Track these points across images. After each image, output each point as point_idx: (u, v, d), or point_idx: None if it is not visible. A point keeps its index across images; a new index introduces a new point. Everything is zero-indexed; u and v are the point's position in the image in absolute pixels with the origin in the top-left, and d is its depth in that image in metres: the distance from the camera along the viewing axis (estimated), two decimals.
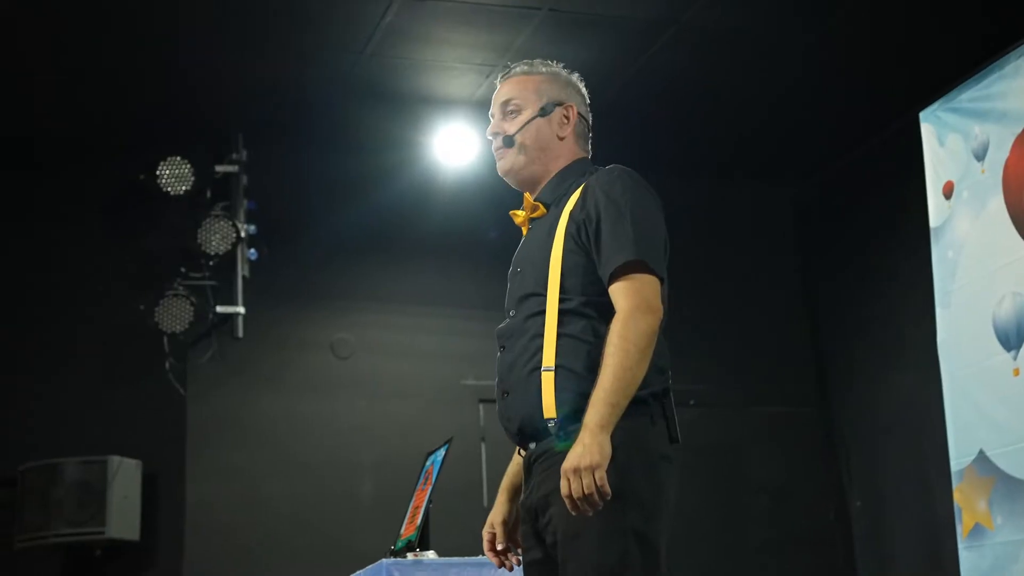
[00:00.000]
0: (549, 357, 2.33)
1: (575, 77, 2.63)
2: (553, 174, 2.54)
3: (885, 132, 5.90)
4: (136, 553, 5.55)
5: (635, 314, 2.27)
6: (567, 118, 2.55)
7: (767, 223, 6.77)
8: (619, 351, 2.24)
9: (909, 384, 5.78)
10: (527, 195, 2.55)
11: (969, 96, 4.83)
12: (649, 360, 2.27)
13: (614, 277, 2.33)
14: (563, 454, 2.26)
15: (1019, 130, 4.57)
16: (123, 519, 5.40)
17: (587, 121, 2.62)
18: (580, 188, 2.46)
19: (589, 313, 2.35)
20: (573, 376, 2.31)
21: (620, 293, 2.31)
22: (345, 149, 6.11)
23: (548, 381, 2.32)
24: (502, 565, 2.55)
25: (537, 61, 2.62)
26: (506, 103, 2.56)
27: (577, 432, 2.25)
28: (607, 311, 2.34)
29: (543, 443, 2.35)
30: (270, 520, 5.73)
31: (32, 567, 5.50)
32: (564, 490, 2.19)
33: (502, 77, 2.62)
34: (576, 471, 2.17)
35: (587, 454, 2.17)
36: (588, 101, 2.64)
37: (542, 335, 2.36)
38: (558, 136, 2.54)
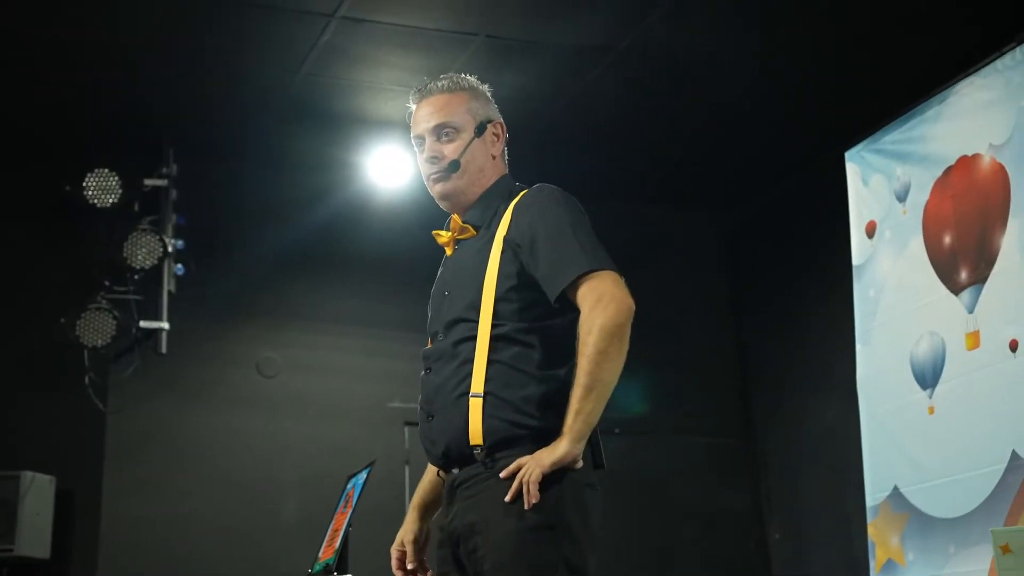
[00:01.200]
0: (478, 383, 2.31)
1: (487, 88, 2.60)
2: (480, 194, 2.52)
3: (813, 167, 6.02)
4: (46, 571, 5.41)
5: (591, 314, 2.26)
6: (497, 136, 2.54)
7: (697, 252, 6.85)
8: (581, 357, 2.24)
9: (831, 418, 5.88)
10: (455, 216, 2.53)
11: (892, 138, 4.96)
12: (622, 350, 2.25)
13: (571, 289, 2.30)
14: (490, 482, 2.26)
15: (939, 173, 4.70)
16: (34, 536, 5.27)
17: (505, 132, 2.59)
18: (509, 209, 2.44)
19: (522, 339, 2.34)
20: (502, 404, 2.30)
21: (580, 299, 2.29)
22: (278, 167, 6.07)
23: (476, 407, 2.30)
24: None
25: (455, 76, 2.57)
26: (440, 127, 2.50)
27: (505, 460, 2.26)
28: (541, 336, 2.34)
29: (467, 469, 2.34)
30: (189, 539, 5.63)
31: None
32: (519, 469, 2.21)
33: (420, 95, 2.55)
34: (521, 466, 2.21)
35: (538, 454, 2.21)
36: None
37: (472, 360, 2.34)
38: (491, 155, 2.53)
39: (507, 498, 2.22)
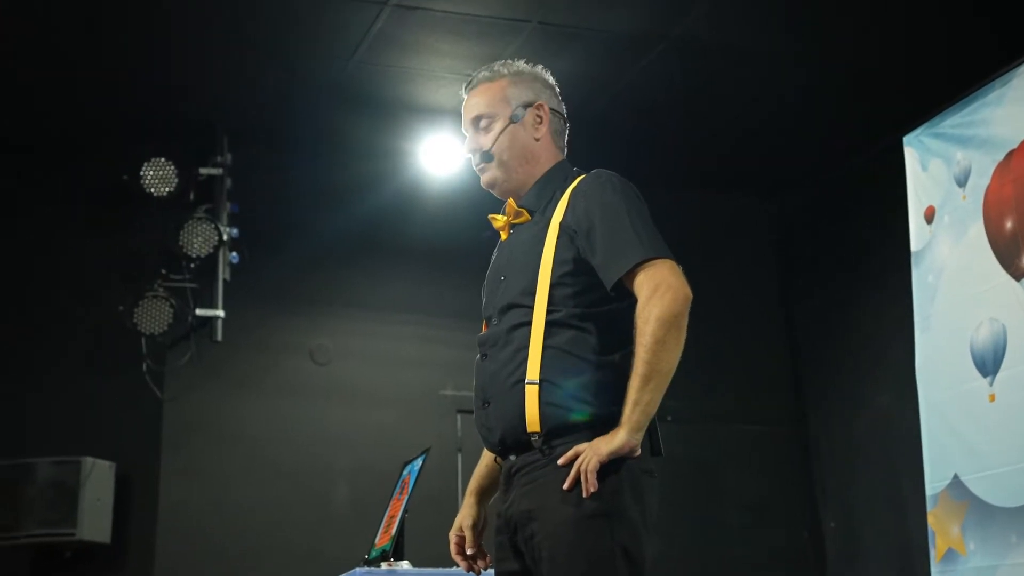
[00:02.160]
0: (534, 370, 2.30)
1: (540, 69, 2.58)
2: (535, 178, 2.50)
3: (870, 153, 5.94)
4: (107, 556, 5.50)
5: (648, 303, 2.24)
6: (540, 117, 2.51)
7: (750, 238, 6.79)
8: (638, 346, 2.23)
9: (886, 406, 5.81)
10: (511, 201, 2.51)
11: (952, 122, 4.87)
12: (679, 339, 2.24)
13: (628, 277, 2.29)
14: (547, 469, 2.26)
15: (1000, 157, 4.61)
16: (95, 521, 5.36)
17: (561, 114, 2.56)
18: (565, 195, 2.42)
19: (577, 325, 2.32)
20: (558, 390, 2.29)
21: (637, 288, 2.28)
22: (330, 155, 6.10)
23: (532, 394, 2.29)
24: (471, 569, 2.51)
25: (498, 64, 2.56)
26: (477, 118, 2.51)
27: (562, 447, 2.26)
28: (596, 322, 2.32)
29: (524, 456, 2.33)
30: (243, 525, 5.69)
31: (0, 567, 5.44)
32: (576, 456, 2.21)
33: (467, 88, 2.57)
34: (580, 452, 2.21)
35: (595, 443, 2.21)
36: (558, 90, 2.58)
37: (527, 347, 2.33)
38: (534, 139, 2.50)
39: (565, 486, 2.22)
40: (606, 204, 2.35)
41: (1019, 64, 4.54)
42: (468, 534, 2.51)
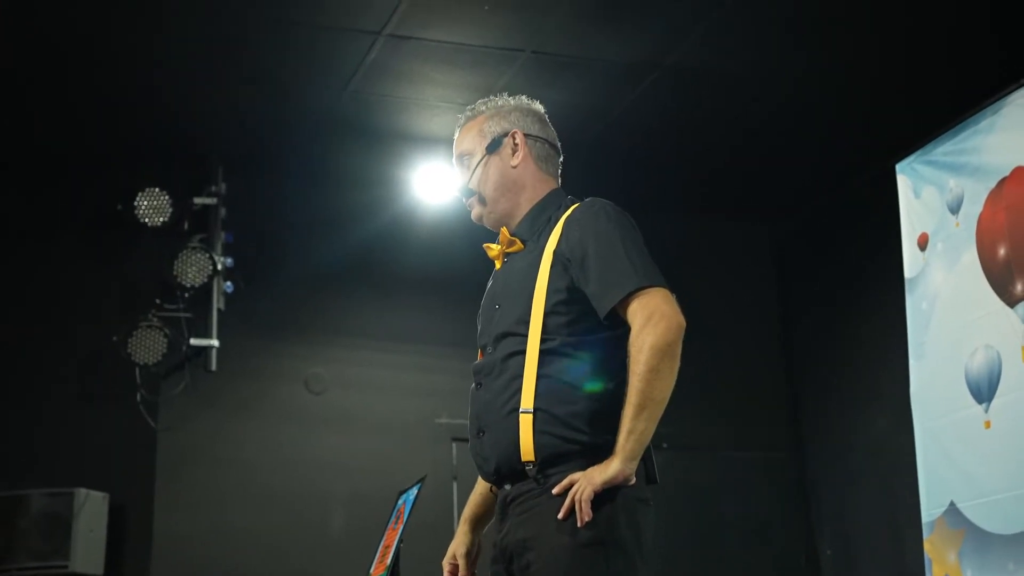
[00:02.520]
0: (528, 399, 2.31)
1: (524, 100, 2.60)
2: (526, 207, 2.51)
3: (864, 179, 5.97)
4: None
5: (643, 332, 2.25)
6: (517, 145, 2.53)
7: (746, 264, 6.81)
8: (632, 375, 2.24)
9: (882, 432, 5.81)
10: (504, 230, 2.53)
11: (944, 150, 4.90)
12: (673, 368, 2.24)
13: (621, 306, 2.30)
14: (542, 498, 2.26)
15: (993, 184, 4.63)
16: (88, 552, 5.32)
17: (545, 140, 2.57)
18: (559, 224, 2.43)
19: (571, 353, 2.33)
20: (553, 420, 2.29)
21: (631, 316, 2.29)
22: (325, 184, 6.11)
23: (527, 424, 2.29)
24: None
25: (480, 102, 2.60)
26: (459, 158, 2.57)
27: (557, 476, 2.26)
28: (590, 351, 2.33)
29: (519, 485, 2.33)
30: (239, 554, 5.66)
31: None
32: (571, 485, 2.21)
33: (457, 129, 2.62)
34: (574, 482, 2.21)
35: (589, 472, 2.21)
36: (544, 119, 2.60)
37: (521, 375, 2.33)
38: (511, 167, 2.51)
39: (560, 516, 2.22)
40: (600, 232, 2.36)
41: (1010, 92, 4.57)
42: (461, 562, 2.51)
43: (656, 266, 2.36)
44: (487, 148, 2.52)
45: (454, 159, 2.60)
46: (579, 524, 2.19)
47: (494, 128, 2.54)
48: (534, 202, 2.52)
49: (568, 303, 2.35)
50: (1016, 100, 4.54)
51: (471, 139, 2.55)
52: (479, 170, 2.52)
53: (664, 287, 2.31)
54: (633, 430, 2.21)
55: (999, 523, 4.41)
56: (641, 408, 2.21)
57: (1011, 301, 4.49)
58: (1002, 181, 4.59)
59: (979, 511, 4.51)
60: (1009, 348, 4.45)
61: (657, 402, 2.23)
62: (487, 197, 2.52)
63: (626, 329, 2.30)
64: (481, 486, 2.55)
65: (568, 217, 2.43)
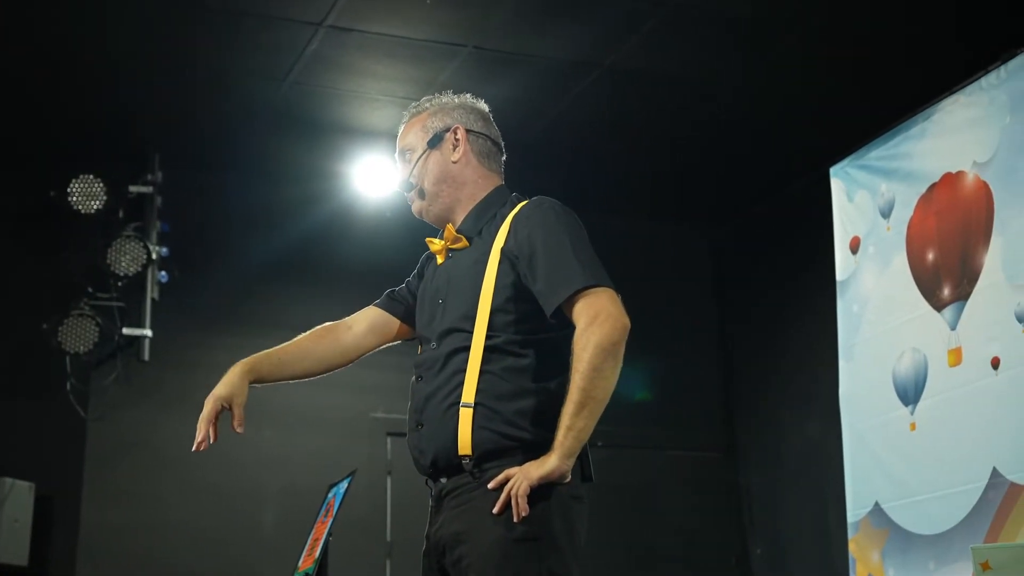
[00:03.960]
0: (469, 393, 2.31)
1: (468, 98, 2.61)
2: (468, 203, 2.51)
3: (799, 183, 6.04)
4: None
5: (587, 331, 2.26)
6: (457, 140, 2.53)
7: (682, 266, 6.86)
8: (574, 373, 2.24)
9: (814, 433, 5.88)
10: (449, 226, 2.52)
11: (878, 154, 4.98)
12: (615, 368, 2.25)
13: (567, 304, 2.30)
14: (477, 492, 2.27)
15: (923, 190, 4.72)
16: (12, 543, 5.23)
17: (488, 137, 2.57)
18: (507, 222, 2.43)
19: (515, 351, 2.34)
20: (493, 415, 2.30)
21: (576, 315, 2.29)
22: (263, 176, 6.06)
23: (466, 417, 2.30)
24: (210, 438, 2.51)
25: (425, 99, 2.61)
26: (401, 152, 2.57)
27: (493, 470, 2.27)
28: (534, 349, 2.34)
29: (455, 479, 2.33)
30: (168, 547, 5.61)
31: None
32: (507, 480, 2.22)
33: (402, 125, 2.62)
34: (510, 476, 2.22)
35: (526, 466, 2.22)
36: (488, 117, 2.60)
37: (464, 370, 2.34)
38: (452, 161, 2.51)
39: (495, 510, 2.23)
40: (548, 231, 2.37)
41: (942, 99, 4.67)
42: (237, 412, 2.51)
43: (603, 267, 2.37)
44: (428, 143, 2.52)
45: (396, 154, 2.60)
46: (515, 519, 2.20)
47: (436, 124, 2.54)
48: (477, 199, 2.52)
49: (514, 301, 2.36)
50: (947, 107, 4.64)
51: (413, 134, 2.55)
52: (419, 164, 2.52)
53: (610, 287, 2.32)
54: (572, 427, 2.22)
55: (922, 523, 4.50)
56: (582, 406, 2.23)
57: (938, 305, 4.58)
58: (932, 187, 4.69)
59: (903, 512, 4.60)
60: (935, 351, 4.54)
61: (598, 401, 2.24)
62: (427, 191, 2.52)
63: (571, 329, 2.31)
64: (293, 345, 2.65)
65: (516, 215, 2.44)
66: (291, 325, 6.23)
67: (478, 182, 2.53)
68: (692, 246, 6.89)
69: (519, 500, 2.20)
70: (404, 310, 2.63)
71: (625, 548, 6.17)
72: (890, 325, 4.81)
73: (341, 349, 2.71)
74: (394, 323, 2.66)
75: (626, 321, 2.29)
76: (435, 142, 2.52)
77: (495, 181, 2.56)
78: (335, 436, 5.98)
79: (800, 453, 6.08)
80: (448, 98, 2.60)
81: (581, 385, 2.23)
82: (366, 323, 2.69)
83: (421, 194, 2.53)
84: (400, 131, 2.61)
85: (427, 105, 2.58)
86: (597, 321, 2.26)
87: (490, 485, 2.25)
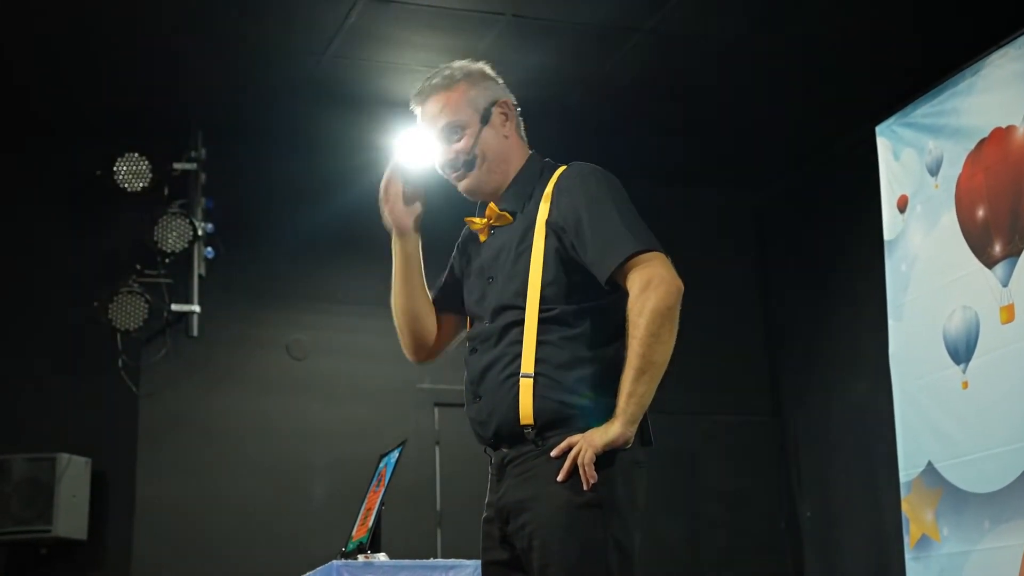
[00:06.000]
0: (528, 364, 2.32)
1: (483, 65, 2.56)
2: (511, 177, 2.50)
3: (844, 142, 5.97)
4: (83, 552, 5.48)
5: (642, 296, 2.25)
6: (506, 115, 2.51)
7: (726, 230, 6.81)
8: (632, 339, 2.24)
9: (862, 394, 5.85)
10: (492, 204, 2.50)
11: (924, 112, 4.91)
12: (673, 331, 2.25)
13: (619, 271, 2.30)
14: (540, 459, 2.28)
15: (972, 146, 4.65)
16: (70, 517, 5.33)
17: (517, 106, 2.55)
18: (547, 192, 2.42)
19: (570, 321, 2.34)
20: (553, 384, 2.30)
21: (630, 282, 2.29)
22: (305, 150, 6.08)
23: (527, 388, 2.30)
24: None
25: (447, 69, 2.52)
26: (446, 128, 2.48)
27: (555, 438, 2.27)
28: (588, 317, 2.34)
29: (517, 447, 2.34)
30: (221, 520, 5.68)
31: None
32: (569, 448, 2.23)
33: (419, 98, 2.53)
34: (575, 444, 2.22)
35: (590, 434, 2.22)
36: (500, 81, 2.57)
37: (520, 342, 2.34)
38: (504, 136, 2.50)
39: (559, 478, 2.23)
40: (592, 198, 2.36)
41: (989, 53, 4.58)
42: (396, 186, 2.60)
43: (649, 230, 2.36)
44: (481, 119, 2.48)
45: (436, 129, 2.50)
46: (585, 487, 2.20)
47: (480, 98, 2.49)
48: (516, 172, 2.50)
49: (565, 272, 2.36)
50: (995, 61, 4.56)
51: (459, 108, 2.48)
52: (476, 142, 2.47)
53: (661, 251, 2.31)
54: (633, 393, 2.23)
55: (975, 482, 4.47)
56: (642, 372, 2.23)
57: (989, 262, 4.52)
58: (981, 142, 4.62)
59: (956, 471, 4.56)
60: (987, 309, 4.49)
61: (658, 365, 2.24)
62: (484, 168, 2.48)
63: (623, 294, 2.30)
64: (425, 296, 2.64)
65: (555, 185, 2.42)
66: (335, 298, 6.39)
67: (518, 155, 2.52)
68: (736, 209, 6.83)
69: (587, 467, 2.21)
70: (458, 303, 2.60)
71: (674, 514, 6.17)
72: (939, 283, 4.76)
73: (427, 342, 2.68)
74: (451, 319, 2.65)
75: (680, 284, 2.28)
76: (487, 118, 2.48)
77: (527, 150, 2.55)
78: (382, 408, 6.02)
79: (848, 414, 6.04)
80: (469, 66, 2.53)
81: (640, 351, 2.23)
82: (440, 331, 2.68)
83: (469, 166, 2.48)
84: (427, 103, 2.52)
85: (459, 75, 2.51)
86: (651, 285, 2.25)
87: (553, 453, 2.26)
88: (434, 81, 2.52)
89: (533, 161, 2.53)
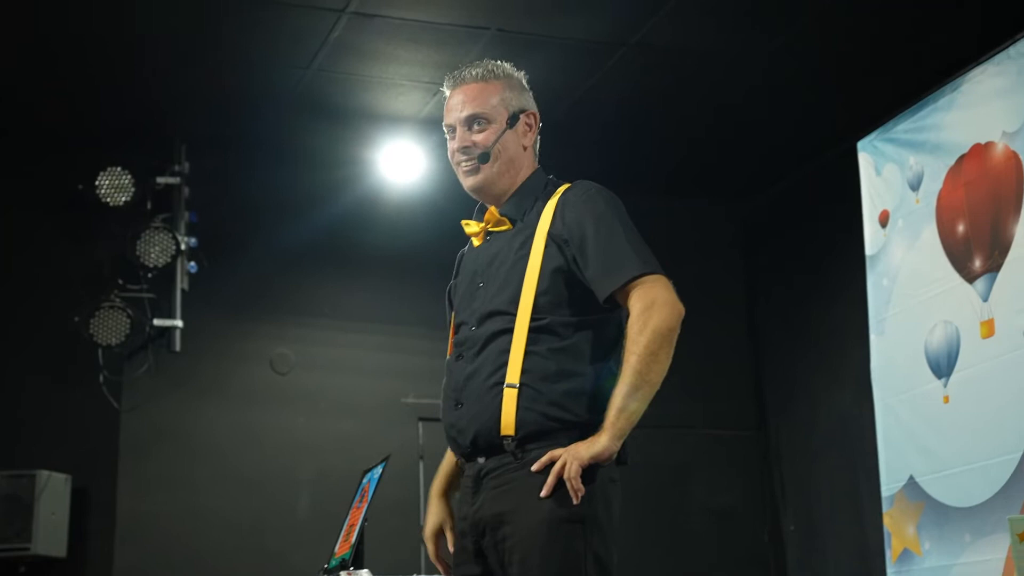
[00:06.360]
0: (514, 374, 2.32)
1: (523, 75, 2.59)
2: (515, 186, 2.51)
3: (826, 158, 6.01)
4: (63, 570, 5.43)
5: (645, 315, 2.27)
6: (530, 126, 2.53)
7: (710, 243, 6.83)
8: (630, 355, 2.26)
9: (845, 409, 5.87)
10: (492, 208, 2.52)
11: (905, 127, 4.95)
12: (669, 354, 2.28)
13: (621, 291, 2.31)
14: (520, 472, 2.27)
15: (952, 162, 4.68)
16: (50, 535, 5.28)
17: (540, 124, 2.59)
18: (551, 205, 2.43)
19: (560, 333, 2.34)
20: (538, 396, 2.30)
21: (631, 302, 2.31)
22: (290, 164, 6.08)
23: (511, 398, 2.30)
24: (449, 572, 2.49)
25: (490, 64, 2.54)
26: (472, 117, 2.49)
27: (536, 451, 2.27)
28: (579, 332, 2.35)
29: (496, 458, 2.33)
30: (203, 536, 5.65)
31: None
32: (551, 461, 2.21)
33: (454, 81, 2.54)
34: (560, 457, 2.21)
35: (577, 446, 2.21)
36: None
37: (508, 351, 2.34)
38: (523, 146, 2.52)
39: (543, 493, 2.23)
40: (599, 217, 2.38)
41: (969, 70, 4.62)
42: (449, 535, 2.50)
43: (652, 253, 2.38)
44: (508, 121, 2.49)
45: (461, 116, 2.50)
46: (575, 500, 2.20)
47: (515, 101, 2.51)
48: (523, 181, 2.52)
49: (561, 283, 2.37)
50: (975, 78, 4.60)
51: (490, 103, 2.48)
52: (497, 139, 2.47)
53: (663, 275, 2.34)
54: (625, 408, 2.23)
55: (957, 496, 4.49)
56: (636, 388, 2.24)
57: (970, 277, 4.55)
58: (961, 158, 4.65)
59: (938, 485, 4.58)
60: (967, 323, 4.51)
61: (652, 385, 2.26)
62: (497, 168, 2.48)
63: (618, 313, 2.32)
64: (450, 459, 2.55)
65: (561, 198, 2.44)
66: (319, 312, 6.38)
67: (527, 167, 2.54)
68: (720, 223, 6.85)
69: (573, 480, 2.20)
70: None
71: (658, 527, 6.18)
72: (921, 298, 4.78)
73: None
74: None
75: (682, 308, 2.32)
76: (514, 122, 2.49)
77: (535, 165, 2.57)
78: (367, 422, 6.01)
79: (832, 429, 6.06)
80: (512, 71, 2.55)
81: (638, 368, 2.24)
82: None
83: (484, 159, 2.47)
84: (461, 89, 2.51)
85: (499, 73, 2.53)
86: (655, 306, 2.28)
87: (534, 468, 2.25)
88: (475, 71, 2.53)
89: (539, 175, 2.55)
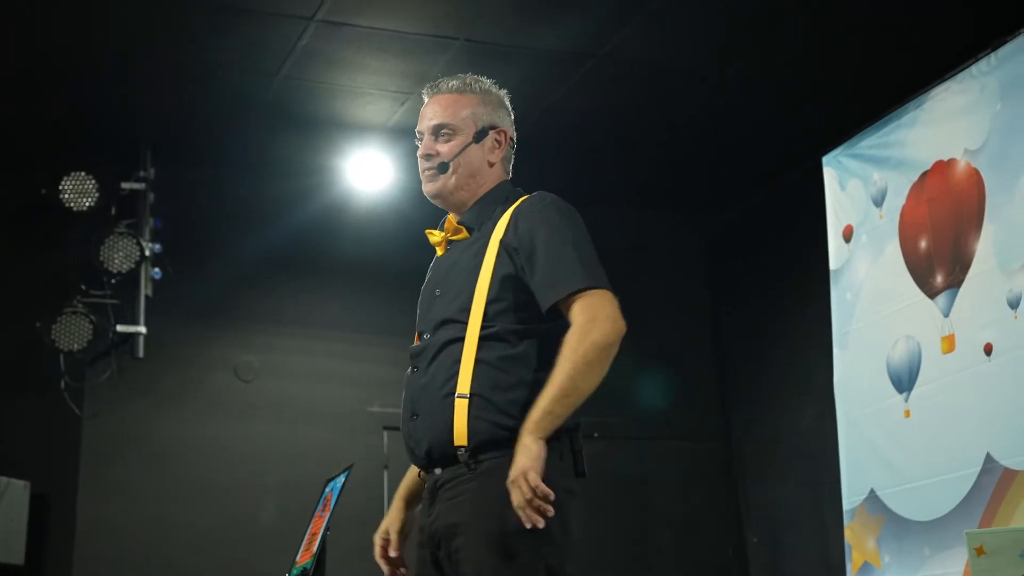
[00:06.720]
0: (464, 384, 2.32)
1: (504, 94, 2.60)
2: (477, 197, 2.52)
3: (792, 173, 6.05)
4: None
5: (586, 326, 2.27)
6: (499, 143, 2.54)
7: (676, 257, 6.87)
8: (565, 362, 2.25)
9: (809, 422, 5.90)
10: (451, 217, 2.54)
11: (869, 143, 4.99)
12: (604, 368, 2.27)
13: (565, 302, 2.31)
14: (473, 483, 2.27)
15: (915, 178, 4.73)
16: (8, 542, 5.23)
17: (514, 142, 2.60)
18: (507, 214, 2.44)
19: (510, 341, 2.35)
20: (488, 405, 2.30)
21: (574, 314, 2.30)
22: (256, 171, 6.06)
23: (462, 408, 2.31)
24: (393, 574, 2.51)
25: (469, 78, 2.57)
26: (440, 126, 2.51)
27: (488, 461, 2.27)
28: (529, 340, 2.35)
29: (450, 469, 2.34)
30: (166, 544, 5.61)
31: None
32: (515, 501, 2.18)
33: (432, 90, 2.57)
34: (515, 483, 2.19)
35: (518, 463, 2.19)
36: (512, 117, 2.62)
37: (459, 360, 2.34)
38: (488, 162, 2.52)
39: (528, 526, 2.18)
40: (551, 227, 2.38)
41: (933, 87, 4.67)
42: (394, 538, 2.51)
43: (602, 268, 2.38)
44: (475, 135, 2.50)
45: (429, 125, 2.52)
46: (549, 514, 2.17)
47: (485, 117, 2.52)
48: (485, 192, 2.53)
49: (511, 292, 2.37)
50: (938, 95, 4.64)
51: (459, 115, 2.51)
52: (460, 151, 2.49)
53: (609, 290, 2.33)
54: (551, 412, 2.23)
55: (917, 510, 4.52)
56: (566, 395, 2.24)
57: (931, 293, 4.59)
58: (924, 175, 4.70)
59: (898, 499, 4.62)
60: (929, 339, 4.55)
61: (581, 393, 2.26)
62: (458, 180, 2.50)
63: (564, 324, 2.32)
64: (415, 468, 2.56)
65: (517, 208, 2.45)
66: (284, 320, 6.35)
67: (493, 180, 2.54)
68: (685, 236, 6.89)
69: (541, 489, 2.16)
70: None
71: (621, 539, 6.19)
72: (884, 313, 4.82)
73: None
74: None
75: (624, 325, 2.31)
76: (480, 137, 2.51)
77: (504, 178, 2.58)
78: (332, 430, 5.99)
79: (795, 442, 6.09)
80: (491, 87, 2.57)
81: (571, 374, 2.24)
82: None
83: (452, 178, 2.49)
84: (435, 98, 2.54)
85: (476, 88, 2.55)
86: (598, 319, 2.28)
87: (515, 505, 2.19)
88: (453, 83, 2.55)
89: (503, 186, 2.56)
